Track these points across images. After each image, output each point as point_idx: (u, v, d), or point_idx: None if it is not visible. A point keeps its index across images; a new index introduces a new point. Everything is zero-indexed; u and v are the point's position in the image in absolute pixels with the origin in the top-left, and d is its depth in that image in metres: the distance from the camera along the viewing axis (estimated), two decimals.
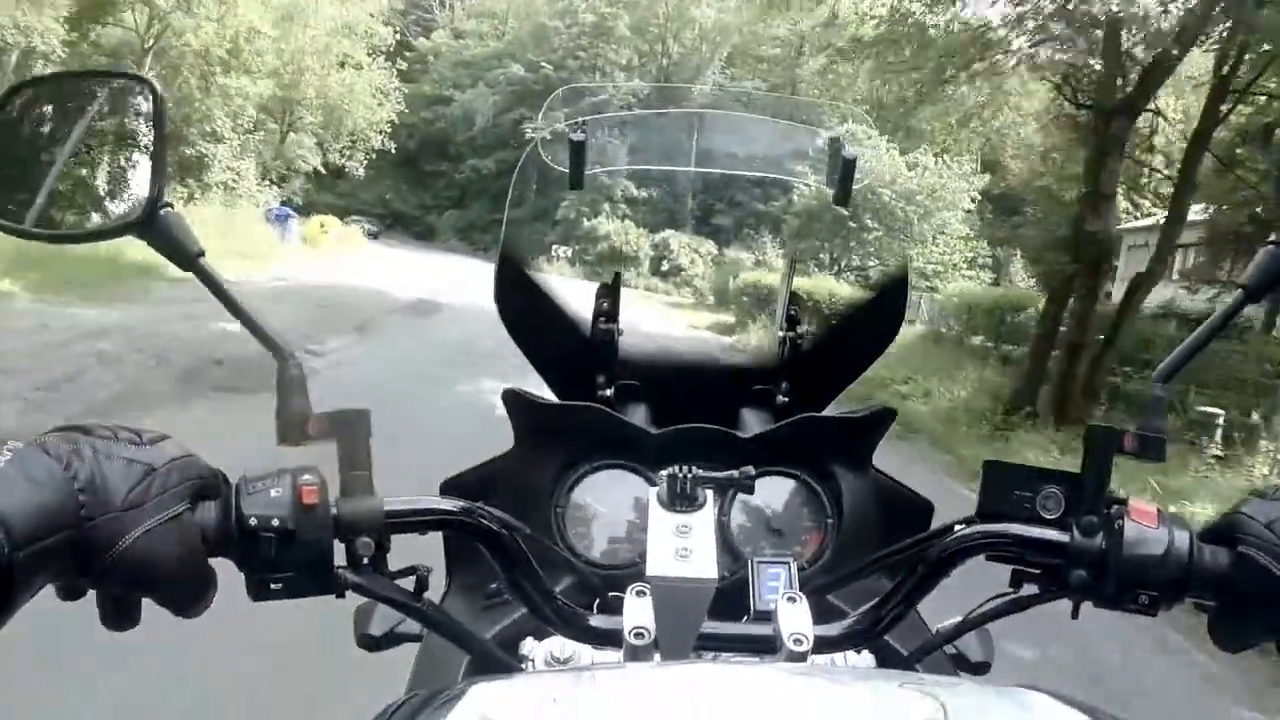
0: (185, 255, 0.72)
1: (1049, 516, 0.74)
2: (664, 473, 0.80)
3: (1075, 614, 0.75)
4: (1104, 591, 0.70)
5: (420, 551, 0.77)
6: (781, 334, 1.32)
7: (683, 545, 0.75)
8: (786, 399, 1.29)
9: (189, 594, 0.62)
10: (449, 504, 0.73)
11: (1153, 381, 0.77)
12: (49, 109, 0.80)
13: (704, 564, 0.74)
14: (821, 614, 0.77)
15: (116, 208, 0.75)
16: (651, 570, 0.74)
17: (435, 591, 0.95)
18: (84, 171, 0.78)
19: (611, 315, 1.25)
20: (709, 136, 1.46)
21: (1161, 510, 0.71)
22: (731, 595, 0.87)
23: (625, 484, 1.08)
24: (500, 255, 1.18)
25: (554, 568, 0.87)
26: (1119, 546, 0.69)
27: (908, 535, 0.85)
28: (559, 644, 0.87)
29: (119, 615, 0.62)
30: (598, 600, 0.89)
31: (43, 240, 0.78)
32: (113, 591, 0.60)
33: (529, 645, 0.89)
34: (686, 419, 1.09)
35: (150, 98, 0.76)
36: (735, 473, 0.81)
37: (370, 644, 0.99)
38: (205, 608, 0.63)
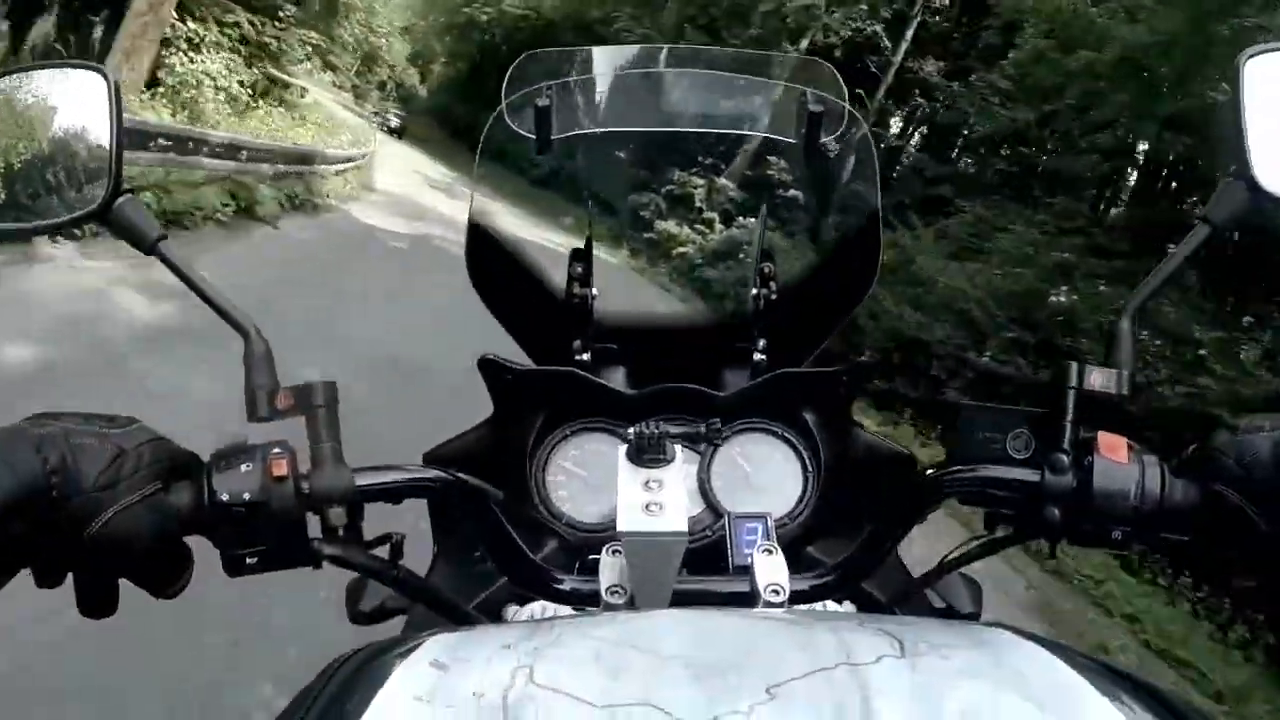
0: (145, 240, 0.73)
1: (1019, 456, 0.75)
2: (632, 429, 0.79)
3: (1052, 553, 0.76)
4: (1077, 529, 0.71)
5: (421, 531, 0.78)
6: (755, 291, 1.32)
7: (651, 500, 0.74)
8: (764, 356, 1.29)
9: (165, 573, 0.63)
10: (419, 471, 0.74)
11: (1120, 316, 0.76)
12: (2, 103, 0.79)
13: (673, 518, 0.73)
14: (804, 567, 0.78)
15: (75, 197, 0.75)
16: (622, 526, 0.73)
17: (423, 562, 0.96)
18: (41, 163, 0.77)
19: (585, 279, 1.25)
20: (677, 96, 1.45)
21: (1131, 444, 0.72)
22: (714, 552, 0.88)
23: (603, 446, 1.08)
24: (470, 221, 1.18)
25: (536, 532, 0.87)
26: (1089, 483, 0.70)
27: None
28: (541, 609, 0.87)
29: (97, 601, 0.63)
30: (579, 563, 0.90)
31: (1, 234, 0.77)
32: (89, 573, 0.61)
33: (512, 611, 0.90)
34: (664, 380, 1.10)
35: (106, 87, 0.76)
36: (703, 426, 0.80)
37: (361, 619, 1.00)
38: (183, 588, 0.65)
